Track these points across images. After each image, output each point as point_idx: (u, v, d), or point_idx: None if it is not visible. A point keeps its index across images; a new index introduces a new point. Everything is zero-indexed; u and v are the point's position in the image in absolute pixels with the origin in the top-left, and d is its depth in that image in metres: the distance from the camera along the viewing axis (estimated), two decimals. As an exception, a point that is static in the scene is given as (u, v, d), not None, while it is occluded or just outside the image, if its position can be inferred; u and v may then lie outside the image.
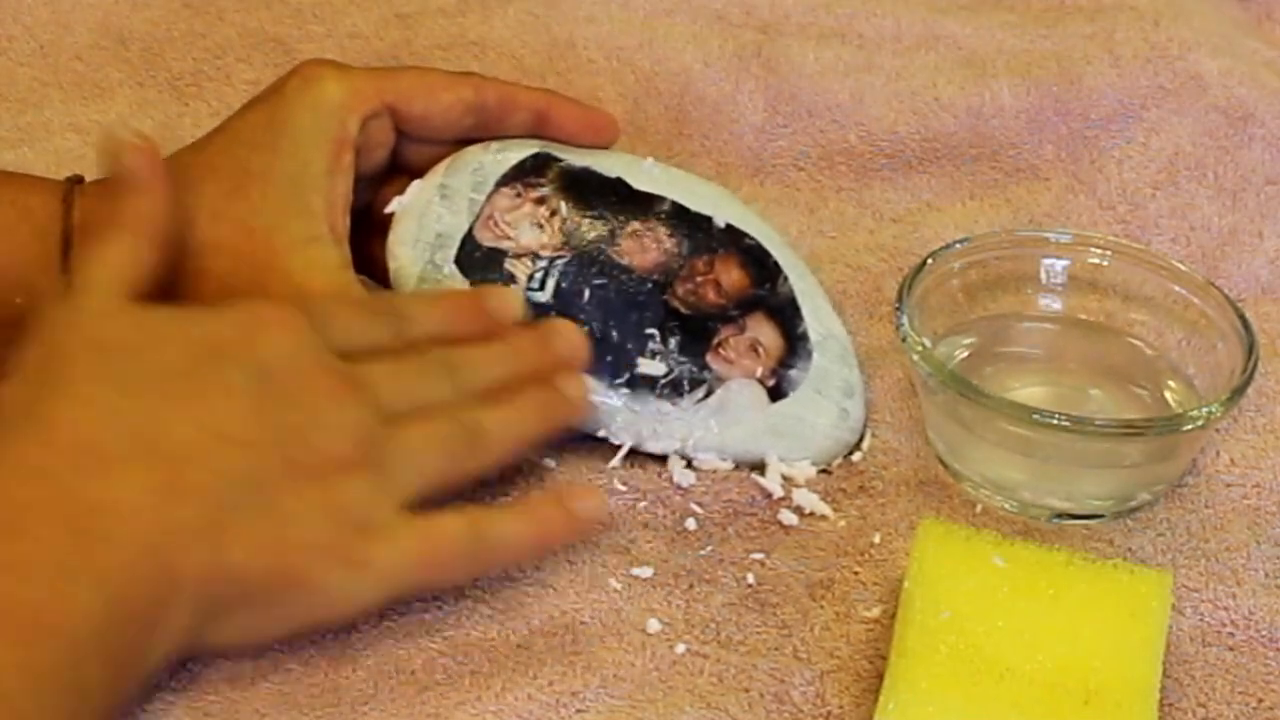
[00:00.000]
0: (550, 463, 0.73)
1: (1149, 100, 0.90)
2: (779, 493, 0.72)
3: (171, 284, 0.71)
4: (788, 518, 0.72)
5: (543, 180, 0.75)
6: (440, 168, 0.75)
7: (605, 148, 0.77)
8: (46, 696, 0.57)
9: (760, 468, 0.73)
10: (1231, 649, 0.67)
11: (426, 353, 0.68)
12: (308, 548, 0.62)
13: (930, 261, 0.76)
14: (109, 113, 0.90)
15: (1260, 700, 0.66)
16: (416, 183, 0.75)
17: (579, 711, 0.64)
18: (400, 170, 0.77)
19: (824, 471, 0.74)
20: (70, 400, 0.62)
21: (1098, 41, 0.92)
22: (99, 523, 0.60)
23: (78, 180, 0.74)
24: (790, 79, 0.91)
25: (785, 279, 0.75)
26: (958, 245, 0.77)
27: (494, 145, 0.76)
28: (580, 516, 0.68)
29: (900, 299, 0.73)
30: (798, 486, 0.72)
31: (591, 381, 0.72)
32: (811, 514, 0.72)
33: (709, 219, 0.76)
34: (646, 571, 0.69)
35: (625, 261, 0.74)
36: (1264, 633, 0.68)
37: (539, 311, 0.73)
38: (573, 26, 0.94)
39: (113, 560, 0.59)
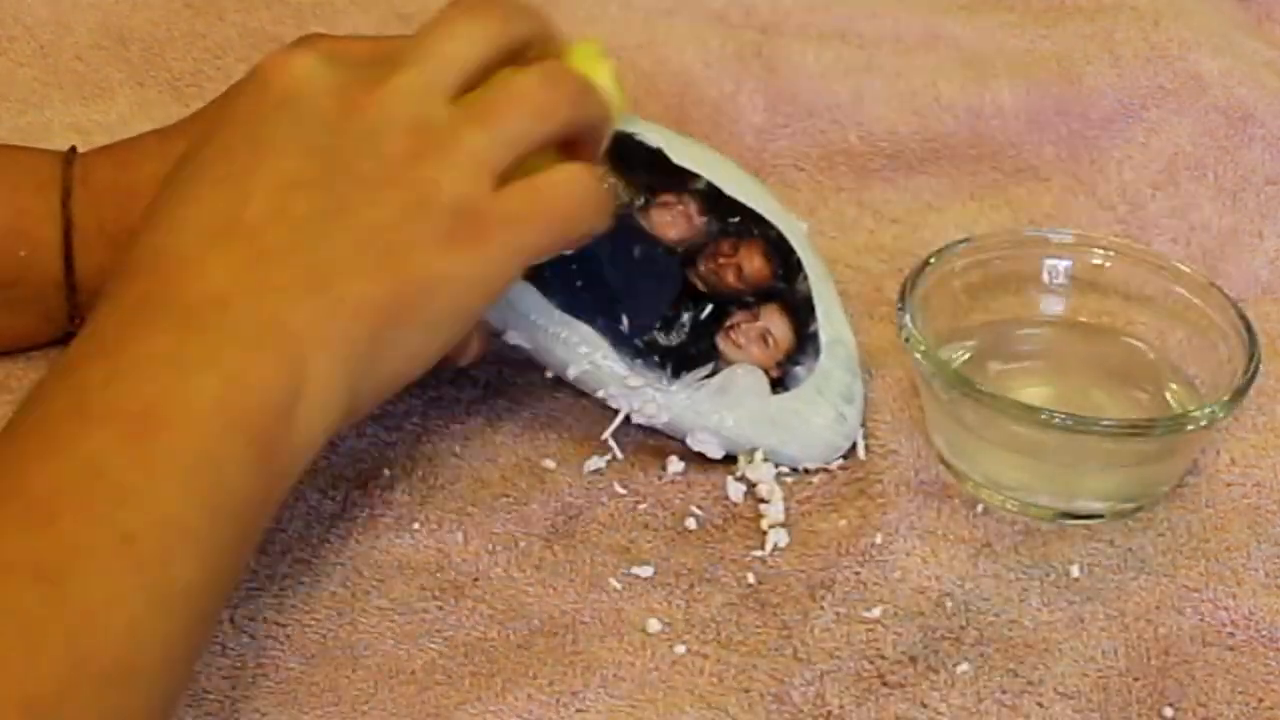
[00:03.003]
0: (549, 463, 0.73)
1: (1149, 100, 0.90)
2: (738, 498, 0.72)
3: None
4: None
5: None
6: None
7: None
8: (173, 487, 0.57)
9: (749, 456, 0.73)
10: (1231, 649, 0.67)
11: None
12: (417, 247, 0.62)
13: (932, 262, 0.76)
14: (109, 113, 0.91)
15: (1260, 700, 0.66)
16: None
17: (579, 711, 0.64)
18: None
19: (824, 471, 0.74)
20: (143, 231, 0.62)
21: (1098, 41, 0.92)
22: (202, 315, 0.59)
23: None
24: (790, 79, 0.91)
25: (805, 277, 0.75)
26: (959, 245, 0.77)
27: None
28: None
29: (902, 299, 0.73)
30: (764, 502, 0.72)
31: (599, 341, 0.72)
32: (789, 524, 0.71)
33: (741, 204, 0.76)
34: (647, 571, 0.69)
35: (652, 230, 0.74)
36: (1264, 633, 0.68)
37: (558, 263, 0.71)
38: (573, 27, 0.93)
39: (224, 344, 0.59)
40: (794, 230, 0.76)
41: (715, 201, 0.75)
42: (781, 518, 0.71)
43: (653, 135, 0.76)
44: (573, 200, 0.66)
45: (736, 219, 0.76)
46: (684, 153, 0.76)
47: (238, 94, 0.65)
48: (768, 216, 0.76)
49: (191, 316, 0.59)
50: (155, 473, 0.56)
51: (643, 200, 0.75)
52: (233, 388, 0.58)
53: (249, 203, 0.61)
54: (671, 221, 0.75)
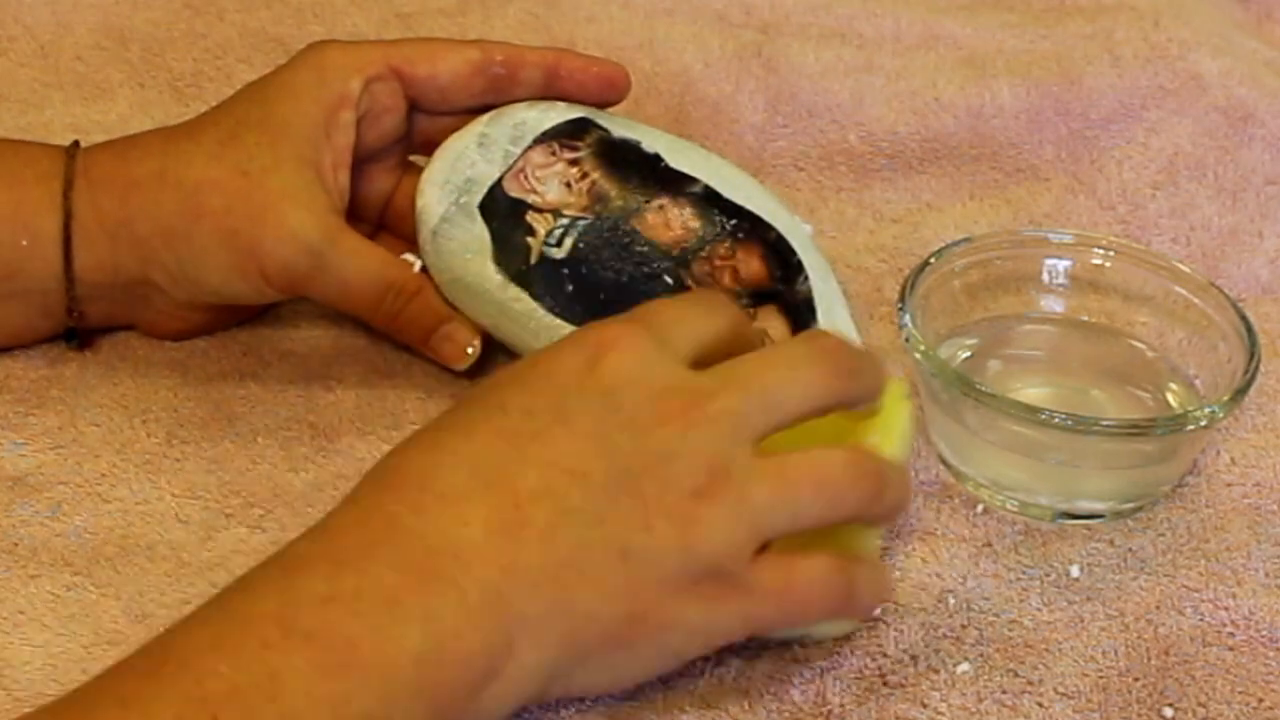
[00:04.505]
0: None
1: (1149, 100, 0.90)
2: None
3: (170, 220, 0.72)
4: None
5: (580, 144, 0.76)
6: (484, 117, 0.76)
7: (618, 101, 0.78)
8: None
9: None
10: (1231, 649, 0.67)
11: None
12: (664, 587, 0.60)
13: (932, 261, 0.76)
14: (109, 113, 0.91)
15: (1260, 700, 0.66)
16: (457, 133, 0.76)
17: (579, 712, 0.64)
18: (422, 152, 0.78)
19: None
20: (415, 447, 0.61)
21: (1098, 41, 0.92)
22: (435, 564, 0.58)
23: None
24: (790, 79, 0.91)
25: (805, 278, 0.75)
26: (960, 245, 0.77)
27: (541, 104, 0.77)
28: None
29: (903, 299, 0.73)
30: None
31: None
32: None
33: (740, 207, 0.76)
34: (647, 571, 0.69)
35: (646, 234, 0.75)
36: (1264, 633, 0.68)
37: (552, 269, 0.73)
38: (573, 26, 0.94)
39: (445, 603, 0.57)
40: (796, 232, 0.76)
41: (713, 204, 0.76)
42: (782, 518, 0.71)
43: (651, 141, 0.77)
44: (818, 600, 0.63)
45: (734, 221, 0.76)
46: (683, 157, 0.77)
47: (566, 352, 0.63)
48: (767, 218, 0.76)
49: (430, 563, 0.58)
50: (329, 713, 0.55)
51: (635, 205, 0.75)
52: (437, 652, 0.57)
53: (526, 472, 0.59)
54: (666, 224, 0.75)
